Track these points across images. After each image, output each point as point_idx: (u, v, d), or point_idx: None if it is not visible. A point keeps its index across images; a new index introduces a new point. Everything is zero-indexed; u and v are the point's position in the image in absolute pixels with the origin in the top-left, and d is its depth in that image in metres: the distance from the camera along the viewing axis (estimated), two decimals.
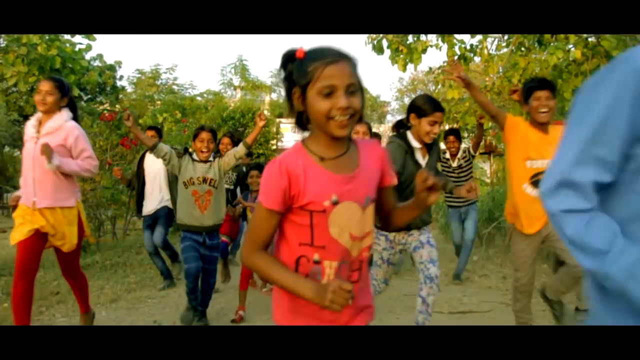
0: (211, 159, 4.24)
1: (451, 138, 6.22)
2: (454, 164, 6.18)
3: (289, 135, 21.94)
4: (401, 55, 6.32)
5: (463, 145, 6.35)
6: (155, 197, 5.97)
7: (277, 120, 21.05)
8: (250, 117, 17.95)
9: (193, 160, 4.20)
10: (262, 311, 4.76)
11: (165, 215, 5.98)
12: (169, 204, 5.96)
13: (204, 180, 4.15)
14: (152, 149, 4.11)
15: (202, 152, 4.17)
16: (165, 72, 21.29)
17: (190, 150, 4.33)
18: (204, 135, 4.19)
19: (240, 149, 4.26)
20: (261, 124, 4.20)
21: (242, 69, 22.36)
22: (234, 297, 4.63)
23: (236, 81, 22.45)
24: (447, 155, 6.25)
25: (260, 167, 5.10)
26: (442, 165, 6.20)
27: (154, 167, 5.91)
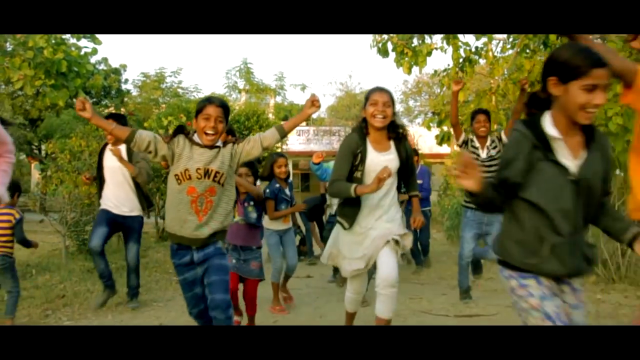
0: (219, 144, 3.02)
1: (481, 117, 5.11)
2: (483, 155, 5.05)
3: (294, 138, 21.98)
4: (406, 58, 6.32)
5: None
6: (119, 198, 4.98)
7: (282, 123, 21.02)
8: (254, 120, 17.95)
9: (193, 143, 2.97)
10: (268, 315, 4.76)
11: (139, 228, 5.13)
12: (139, 212, 5.09)
13: (206, 172, 2.93)
14: (129, 141, 2.92)
15: (207, 134, 2.92)
16: (170, 76, 21.33)
17: (187, 130, 3.07)
18: (211, 110, 2.92)
19: (271, 135, 3.08)
20: (311, 111, 3.08)
21: (246, 72, 22.40)
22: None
23: (241, 84, 22.49)
24: (477, 143, 5.09)
25: (251, 165, 4.27)
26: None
27: (115, 162, 4.89)
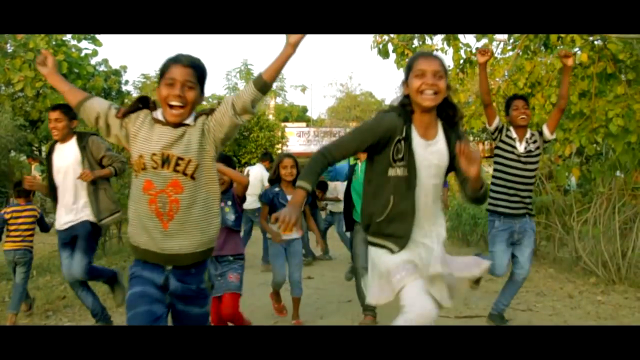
0: (190, 122, 2.16)
1: (519, 103, 4.17)
2: (521, 148, 4.14)
3: (294, 139, 21.98)
4: (407, 59, 6.32)
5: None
6: (68, 205, 4.15)
7: (282, 124, 21.06)
8: (255, 121, 17.98)
9: (155, 120, 2.17)
10: (269, 316, 4.75)
11: (87, 236, 4.14)
12: (92, 217, 4.16)
13: (165, 160, 2.10)
14: (78, 107, 2.22)
15: (171, 106, 2.10)
16: None
17: (153, 101, 2.24)
18: (177, 71, 2.10)
19: (245, 91, 2.12)
20: (294, 39, 2.03)
21: (247, 73, 22.40)
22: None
23: (241, 85, 22.49)
24: (513, 134, 4.17)
25: (227, 160, 3.68)
26: (503, 150, 4.21)
27: (64, 161, 4.17)
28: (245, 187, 3.67)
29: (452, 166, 2.45)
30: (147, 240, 2.16)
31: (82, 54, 8.22)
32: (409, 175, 2.35)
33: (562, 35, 5.85)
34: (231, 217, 3.64)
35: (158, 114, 2.18)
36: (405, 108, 2.41)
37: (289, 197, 4.36)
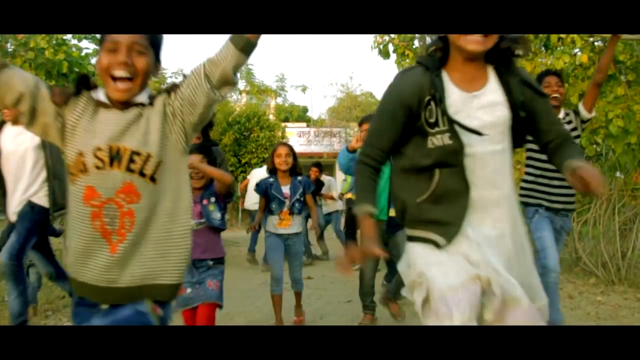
0: (144, 100, 1.63)
1: (552, 80, 3.60)
2: None
3: (295, 139, 21.98)
4: (407, 60, 6.33)
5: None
6: (20, 194, 3.67)
7: (283, 124, 21.07)
8: (255, 121, 17.99)
9: (97, 104, 1.60)
10: (269, 316, 4.75)
11: (26, 216, 3.65)
12: (39, 199, 3.69)
13: (114, 156, 1.53)
14: None
15: (114, 78, 1.56)
16: (171, 77, 21.28)
17: (93, 81, 1.66)
18: (119, 37, 1.57)
19: (229, 55, 1.58)
20: None
21: (247, 73, 22.39)
22: (239, 302, 4.58)
23: (241, 85, 22.48)
24: None
25: (206, 150, 3.23)
26: None
27: (19, 146, 3.65)
28: (228, 185, 3.24)
29: (520, 121, 1.80)
30: (85, 269, 1.57)
31: (83, 53, 8.22)
32: (453, 142, 1.72)
33: (563, 35, 5.86)
34: (217, 215, 3.19)
35: (100, 95, 1.61)
36: (434, 57, 1.81)
37: (283, 188, 4.19)
